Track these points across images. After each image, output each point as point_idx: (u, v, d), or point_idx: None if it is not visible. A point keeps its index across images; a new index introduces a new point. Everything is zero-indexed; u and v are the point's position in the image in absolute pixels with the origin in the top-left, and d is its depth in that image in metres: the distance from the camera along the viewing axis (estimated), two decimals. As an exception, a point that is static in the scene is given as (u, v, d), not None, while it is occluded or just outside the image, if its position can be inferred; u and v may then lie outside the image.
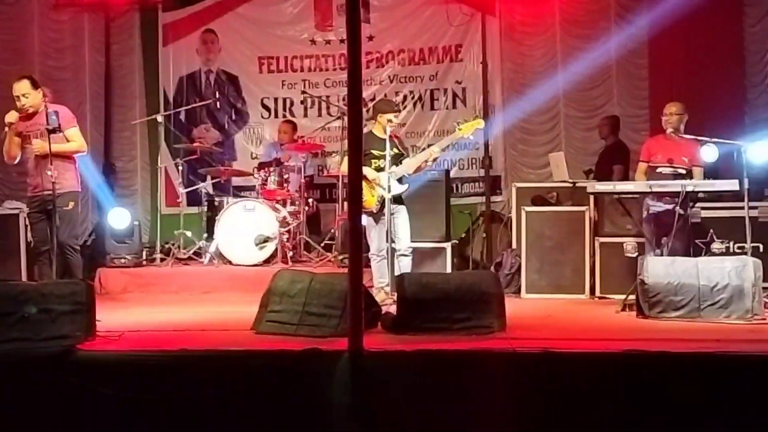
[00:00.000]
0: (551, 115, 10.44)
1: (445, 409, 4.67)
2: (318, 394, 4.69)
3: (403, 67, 10.87)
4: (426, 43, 10.79)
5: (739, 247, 7.60)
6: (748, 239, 6.94)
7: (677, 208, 7.00)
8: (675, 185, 7.12)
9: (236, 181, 10.40)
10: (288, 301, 5.82)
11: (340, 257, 8.79)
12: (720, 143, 7.36)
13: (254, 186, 9.78)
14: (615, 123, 9.71)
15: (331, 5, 10.92)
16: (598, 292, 8.09)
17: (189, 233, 9.62)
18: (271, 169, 9.41)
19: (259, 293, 6.07)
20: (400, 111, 8.95)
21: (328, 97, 10.77)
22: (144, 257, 9.63)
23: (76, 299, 5.34)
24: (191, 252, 9.49)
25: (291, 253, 9.13)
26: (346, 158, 5.90)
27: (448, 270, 8.35)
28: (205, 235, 9.48)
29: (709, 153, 7.34)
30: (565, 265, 8.21)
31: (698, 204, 7.58)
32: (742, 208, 7.05)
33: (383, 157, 7.25)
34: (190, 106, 10.93)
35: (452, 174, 9.94)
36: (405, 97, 10.82)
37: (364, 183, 6.44)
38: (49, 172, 6.64)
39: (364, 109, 7.35)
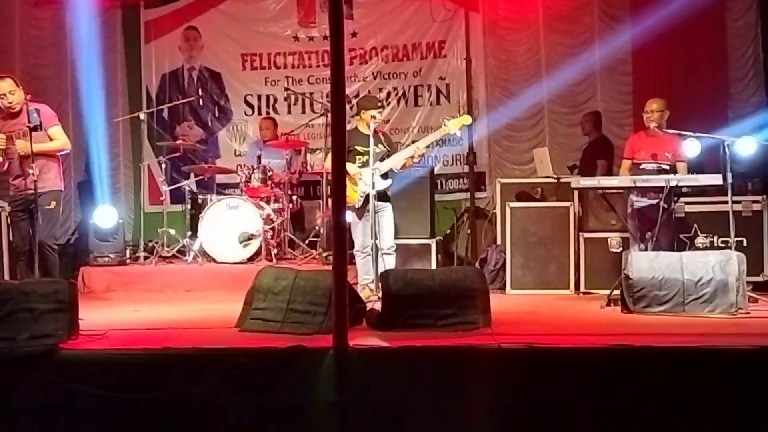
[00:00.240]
0: (535, 110, 10.44)
1: (430, 405, 4.67)
2: (303, 391, 4.69)
3: (386, 63, 10.85)
4: (409, 40, 10.77)
5: (723, 242, 7.66)
6: (732, 233, 6.96)
7: (661, 203, 7.02)
8: (659, 180, 7.13)
9: (220, 178, 10.33)
10: (272, 298, 5.79)
11: (325, 254, 8.76)
12: (703, 138, 7.38)
13: (238, 183, 9.73)
14: (597, 119, 9.74)
15: (314, 2, 10.88)
16: (582, 288, 8.10)
17: (173, 231, 9.58)
18: (255, 166, 9.39)
19: (243, 291, 6.03)
20: (383, 107, 8.95)
21: (311, 93, 10.75)
22: (127, 255, 9.56)
23: (58, 298, 5.29)
24: (175, 250, 9.46)
25: (275, 251, 9.09)
26: (329, 155, 5.88)
27: (433, 266, 8.33)
28: (189, 233, 9.47)
29: (691, 148, 7.34)
30: (549, 260, 8.21)
31: (682, 199, 7.62)
32: (726, 202, 7.07)
33: (368, 153, 7.23)
34: (173, 104, 10.85)
35: (437, 170, 9.90)
36: (389, 94, 10.80)
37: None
38: (31, 171, 6.58)
39: (348, 106, 7.32)
